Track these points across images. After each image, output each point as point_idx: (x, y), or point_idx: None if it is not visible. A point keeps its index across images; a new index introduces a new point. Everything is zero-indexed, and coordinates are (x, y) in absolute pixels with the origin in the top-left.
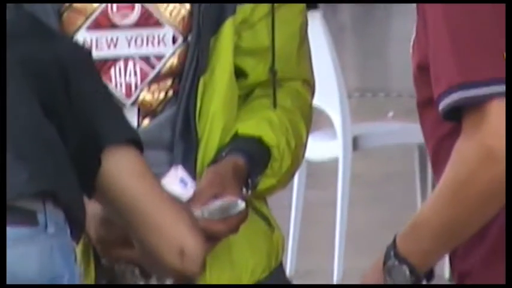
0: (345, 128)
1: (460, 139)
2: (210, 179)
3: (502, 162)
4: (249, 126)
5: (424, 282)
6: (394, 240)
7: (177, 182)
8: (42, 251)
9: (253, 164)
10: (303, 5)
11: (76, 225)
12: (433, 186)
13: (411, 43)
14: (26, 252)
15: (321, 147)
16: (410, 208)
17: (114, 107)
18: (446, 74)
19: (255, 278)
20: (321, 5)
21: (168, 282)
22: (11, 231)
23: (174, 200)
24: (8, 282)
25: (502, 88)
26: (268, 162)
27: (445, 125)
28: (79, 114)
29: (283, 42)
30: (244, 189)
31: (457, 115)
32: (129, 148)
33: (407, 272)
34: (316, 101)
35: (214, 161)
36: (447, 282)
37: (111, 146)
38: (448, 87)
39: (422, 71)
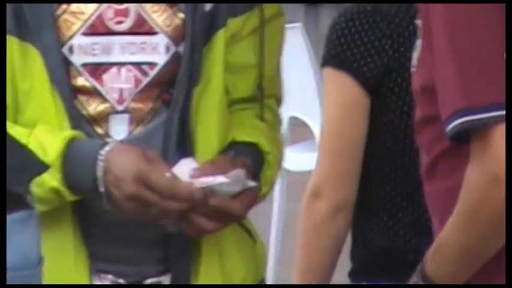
0: None
1: (469, 165)
2: (218, 160)
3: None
4: (245, 134)
5: None
6: (423, 261)
7: (190, 168)
8: (36, 232)
9: (256, 167)
10: (283, 22)
11: None
12: None
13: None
14: (30, 234)
15: (302, 159)
16: None
17: None
18: (451, 99)
19: None
20: (302, 16)
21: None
22: (21, 215)
23: None
24: (21, 264)
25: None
26: (262, 169)
27: (442, 144)
28: None
29: (266, 60)
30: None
31: (465, 138)
32: None
33: None
34: (298, 113)
35: None
36: None
37: None
38: (453, 112)
39: (425, 91)
